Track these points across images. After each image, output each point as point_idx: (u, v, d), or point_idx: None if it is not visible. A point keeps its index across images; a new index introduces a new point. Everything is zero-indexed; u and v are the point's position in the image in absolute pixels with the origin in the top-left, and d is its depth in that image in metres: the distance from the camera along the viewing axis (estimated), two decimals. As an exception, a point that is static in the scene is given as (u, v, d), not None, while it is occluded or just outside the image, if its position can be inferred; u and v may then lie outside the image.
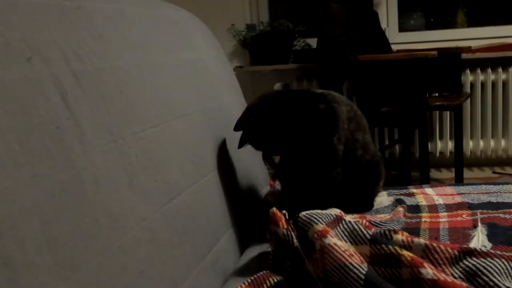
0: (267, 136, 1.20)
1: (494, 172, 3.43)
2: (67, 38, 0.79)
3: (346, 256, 0.84)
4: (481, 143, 3.43)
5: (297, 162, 1.20)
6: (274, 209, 1.03)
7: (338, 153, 1.17)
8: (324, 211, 0.99)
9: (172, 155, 0.96)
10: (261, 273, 0.93)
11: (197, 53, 1.33)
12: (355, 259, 0.83)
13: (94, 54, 0.84)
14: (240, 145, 1.23)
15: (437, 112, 3.42)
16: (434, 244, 0.84)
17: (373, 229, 0.96)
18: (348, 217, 0.98)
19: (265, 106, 1.21)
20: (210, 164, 1.11)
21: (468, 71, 3.29)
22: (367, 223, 1.05)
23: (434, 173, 3.49)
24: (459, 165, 3.05)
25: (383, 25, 3.48)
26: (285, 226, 0.97)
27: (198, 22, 1.52)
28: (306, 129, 1.16)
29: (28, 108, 0.65)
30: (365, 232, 0.91)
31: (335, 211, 1.00)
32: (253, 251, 1.12)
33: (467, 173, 3.38)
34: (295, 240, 0.94)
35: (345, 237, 0.93)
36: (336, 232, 0.94)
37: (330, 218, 0.97)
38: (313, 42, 3.33)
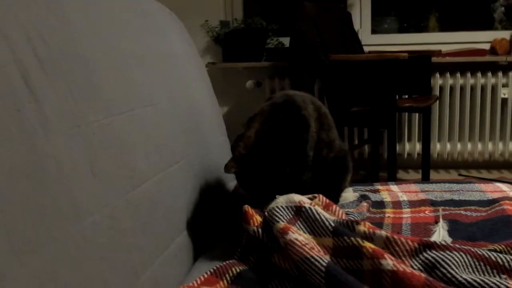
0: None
1: (460, 175, 3.49)
2: (32, 21, 0.77)
3: (307, 249, 0.85)
4: (448, 146, 3.48)
5: (268, 167, 1.16)
6: (246, 207, 1.03)
7: (309, 159, 1.17)
8: (284, 202, 1.00)
9: (138, 143, 0.95)
10: (225, 263, 0.93)
11: (168, 45, 1.33)
12: (315, 252, 0.84)
13: (60, 39, 0.82)
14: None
15: (406, 114, 3.46)
16: (395, 236, 0.85)
17: (334, 218, 0.97)
18: (308, 204, 0.98)
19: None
20: (177, 155, 1.11)
21: (437, 75, 3.34)
22: (337, 209, 1.05)
23: (401, 174, 3.54)
24: (426, 166, 3.09)
25: (356, 26, 3.51)
26: (256, 224, 0.98)
27: (170, 15, 1.51)
28: (279, 141, 1.14)
29: (-13, 88, 0.64)
30: (327, 223, 0.92)
31: (295, 200, 1.00)
32: (218, 244, 1.12)
33: (433, 175, 3.43)
34: (264, 236, 0.96)
35: (308, 229, 0.94)
36: (298, 227, 0.95)
37: (291, 213, 0.98)
38: (286, 41, 3.35)
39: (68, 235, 0.69)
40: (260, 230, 0.97)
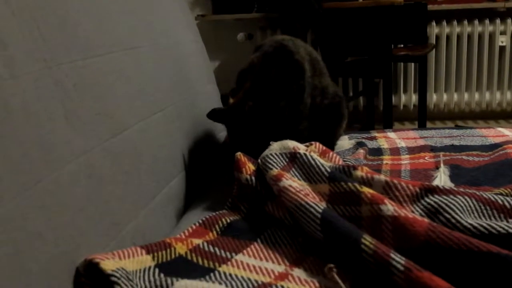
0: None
1: (456, 126, 3.44)
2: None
3: (301, 196, 0.79)
4: (445, 96, 3.42)
5: (265, 116, 1.11)
6: (239, 155, 0.98)
7: (307, 107, 1.11)
8: (278, 148, 0.94)
9: (117, 88, 0.88)
10: (214, 213, 0.88)
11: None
12: (311, 198, 0.78)
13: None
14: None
15: (402, 65, 3.39)
16: (395, 181, 0.80)
17: (331, 163, 0.91)
18: (302, 150, 0.92)
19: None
20: (161, 103, 1.04)
21: (434, 23, 3.26)
22: (334, 155, 0.99)
23: (397, 126, 3.49)
24: (422, 118, 3.03)
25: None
26: (249, 172, 0.93)
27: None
28: (276, 88, 1.09)
29: None
30: (323, 169, 0.86)
31: (289, 146, 0.94)
32: (207, 196, 1.07)
33: (429, 126, 3.38)
34: (258, 184, 0.91)
35: (303, 176, 0.88)
36: (292, 174, 0.89)
37: (285, 160, 0.92)
38: (277, -9, 3.24)
39: (39, 182, 0.63)
40: (253, 178, 0.92)
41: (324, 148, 1.00)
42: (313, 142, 1.01)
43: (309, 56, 1.15)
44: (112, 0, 0.97)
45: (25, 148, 0.63)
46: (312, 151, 0.96)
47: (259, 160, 0.94)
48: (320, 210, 0.75)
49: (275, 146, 0.96)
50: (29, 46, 0.69)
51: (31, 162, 0.63)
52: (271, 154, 0.93)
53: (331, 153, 0.98)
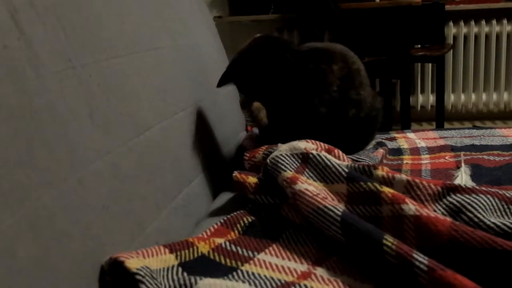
0: (254, 82, 1.15)
1: (474, 126, 3.41)
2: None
3: (319, 199, 0.78)
4: (463, 96, 3.40)
5: (281, 117, 1.13)
6: (236, 176, 0.96)
7: (320, 114, 1.11)
8: (288, 149, 0.94)
9: (139, 88, 0.89)
10: (235, 213, 0.88)
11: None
12: (329, 201, 0.78)
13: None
14: (221, 84, 1.16)
15: (419, 65, 3.37)
16: (417, 180, 0.79)
17: (348, 162, 0.91)
18: (314, 151, 0.92)
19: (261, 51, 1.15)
20: (183, 102, 1.05)
21: (451, 23, 3.24)
22: (340, 153, 0.98)
23: (415, 127, 3.47)
24: (440, 118, 3.02)
25: (366, -25, 3.39)
26: (252, 187, 0.92)
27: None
28: (290, 86, 1.10)
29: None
30: (339, 169, 0.85)
31: (300, 147, 0.94)
32: (228, 195, 1.07)
33: (447, 127, 3.36)
34: (264, 199, 0.90)
35: (318, 176, 0.87)
36: (307, 175, 0.88)
37: (297, 161, 0.91)
38: (294, -9, 3.24)
39: (65, 182, 0.64)
40: (258, 197, 0.91)
41: (328, 146, 0.98)
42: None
43: (348, 70, 1.15)
44: (133, 1, 0.98)
45: (50, 147, 0.64)
46: (321, 148, 0.95)
47: (268, 161, 0.93)
48: (340, 213, 0.74)
49: (285, 147, 0.95)
50: (54, 46, 0.70)
51: (56, 161, 0.64)
52: (281, 155, 0.92)
53: (336, 150, 0.97)
